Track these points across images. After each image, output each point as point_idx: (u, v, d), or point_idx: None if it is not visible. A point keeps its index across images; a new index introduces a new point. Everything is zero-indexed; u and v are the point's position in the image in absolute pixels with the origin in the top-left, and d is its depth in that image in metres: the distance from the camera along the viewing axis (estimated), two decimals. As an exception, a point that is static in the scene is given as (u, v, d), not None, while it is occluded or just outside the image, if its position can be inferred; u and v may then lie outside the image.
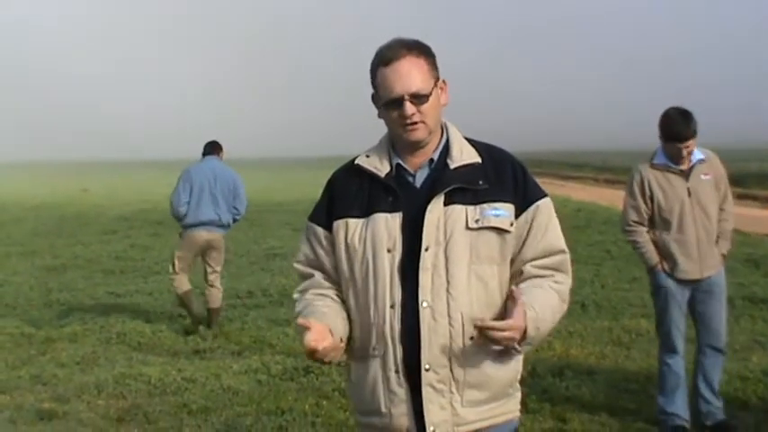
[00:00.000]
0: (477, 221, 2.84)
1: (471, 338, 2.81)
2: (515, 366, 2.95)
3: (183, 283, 10.08)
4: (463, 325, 2.81)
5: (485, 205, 2.85)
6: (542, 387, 7.15)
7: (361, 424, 3.02)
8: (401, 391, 2.85)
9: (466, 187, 2.85)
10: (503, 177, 2.92)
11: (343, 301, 2.99)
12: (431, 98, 2.86)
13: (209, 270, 10.22)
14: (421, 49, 2.89)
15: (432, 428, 2.83)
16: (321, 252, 3.01)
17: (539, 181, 3.06)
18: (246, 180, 11.00)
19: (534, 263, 2.94)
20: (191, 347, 9.09)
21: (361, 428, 3.04)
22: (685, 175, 5.88)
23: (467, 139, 2.98)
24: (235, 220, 10.35)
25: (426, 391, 2.82)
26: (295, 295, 3.09)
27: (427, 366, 2.81)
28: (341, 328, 2.90)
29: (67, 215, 28.77)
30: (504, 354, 2.87)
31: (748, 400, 6.70)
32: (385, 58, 2.86)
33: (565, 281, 2.98)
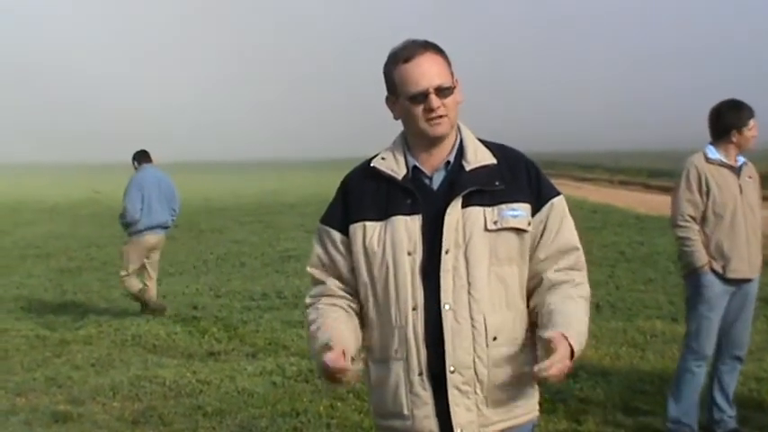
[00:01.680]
0: (495, 223, 2.86)
1: (494, 339, 2.85)
2: (533, 363, 2.93)
3: (135, 284, 11.16)
4: (485, 326, 2.84)
5: (502, 206, 2.87)
6: (557, 388, 7.11)
7: (380, 427, 3.03)
8: (425, 394, 2.86)
9: (483, 189, 2.87)
10: (518, 177, 2.93)
11: (355, 310, 3.01)
12: (453, 92, 2.90)
13: (149, 267, 11.28)
14: (437, 48, 2.94)
15: (459, 430, 2.84)
16: (336, 255, 3.00)
17: (554, 182, 3.09)
18: (257, 182, 11.16)
19: (554, 267, 2.95)
20: (205, 350, 9.11)
21: (380, 431, 3.05)
22: (736, 172, 5.81)
23: (480, 140, 3.01)
24: (172, 221, 11.52)
25: (452, 394, 2.84)
26: (307, 300, 3.08)
27: (452, 368, 2.83)
28: (353, 342, 2.92)
29: (81, 217, 28.89)
30: (525, 353, 2.92)
31: (763, 401, 6.69)
32: (404, 56, 2.90)
33: (584, 279, 3.00)
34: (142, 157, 11.48)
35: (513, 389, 2.90)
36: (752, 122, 5.77)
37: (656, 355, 8.18)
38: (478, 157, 2.93)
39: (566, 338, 2.78)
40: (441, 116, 2.87)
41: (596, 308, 10.50)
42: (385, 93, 3.00)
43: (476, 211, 2.86)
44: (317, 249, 3.05)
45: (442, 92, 2.88)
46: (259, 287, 13.00)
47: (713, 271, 5.77)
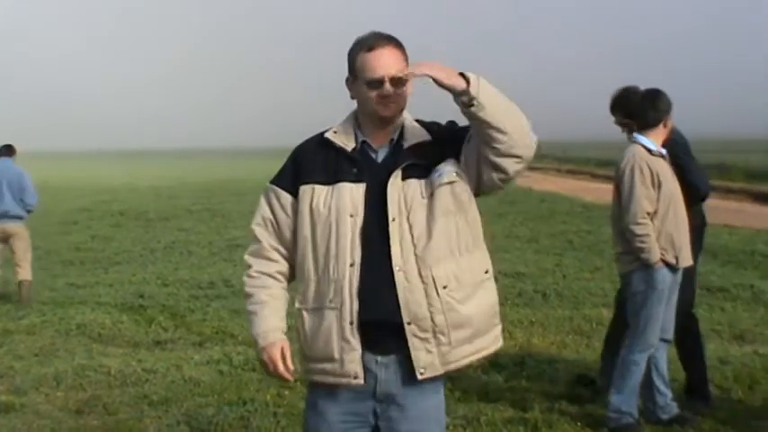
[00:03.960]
0: (429, 190, 3.20)
1: (445, 287, 3.17)
2: (491, 300, 3.32)
3: None
4: (434, 279, 3.16)
5: (433, 174, 3.21)
6: (504, 376, 7.19)
7: (310, 370, 3.33)
8: (354, 341, 3.19)
9: (418, 163, 3.22)
10: (443, 140, 3.27)
11: (284, 275, 3.38)
12: (405, 85, 3.24)
13: (15, 257, 11.70)
14: (398, 43, 3.27)
15: (422, 371, 3.19)
16: (281, 214, 3.35)
17: None
18: (207, 170, 11.05)
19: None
20: (151, 338, 9.03)
21: (310, 374, 3.34)
22: (667, 161, 5.90)
23: (418, 120, 3.34)
24: (28, 211, 11.83)
25: (412, 342, 3.18)
26: (246, 257, 3.43)
27: (408, 321, 3.16)
28: (281, 318, 3.35)
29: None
30: (479, 292, 3.26)
31: (706, 388, 6.77)
32: (368, 44, 3.24)
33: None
34: (2, 150, 11.90)
35: (473, 326, 3.23)
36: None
37: (602, 342, 8.24)
38: (415, 135, 3.28)
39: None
40: (392, 102, 3.23)
41: (543, 296, 10.63)
42: (342, 79, 3.33)
43: (414, 183, 3.21)
44: (263, 208, 3.40)
45: (396, 82, 3.21)
46: (206, 276, 12.92)
47: (666, 263, 5.82)
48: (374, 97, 3.21)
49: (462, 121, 3.23)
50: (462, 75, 3.06)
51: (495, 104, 3.07)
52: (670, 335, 6.10)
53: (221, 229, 19.40)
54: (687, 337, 6.40)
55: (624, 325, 6.18)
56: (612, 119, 6.45)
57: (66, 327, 9.53)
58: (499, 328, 3.37)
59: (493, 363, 7.42)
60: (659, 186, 5.78)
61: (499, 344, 3.36)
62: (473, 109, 3.04)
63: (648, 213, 5.75)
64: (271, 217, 3.37)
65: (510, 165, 3.14)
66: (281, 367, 3.29)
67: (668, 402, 6.08)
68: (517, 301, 10.37)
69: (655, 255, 5.76)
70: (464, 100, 3.05)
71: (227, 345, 8.56)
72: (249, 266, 3.40)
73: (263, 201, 3.40)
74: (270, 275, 3.37)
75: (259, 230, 3.39)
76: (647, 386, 6.08)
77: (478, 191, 3.27)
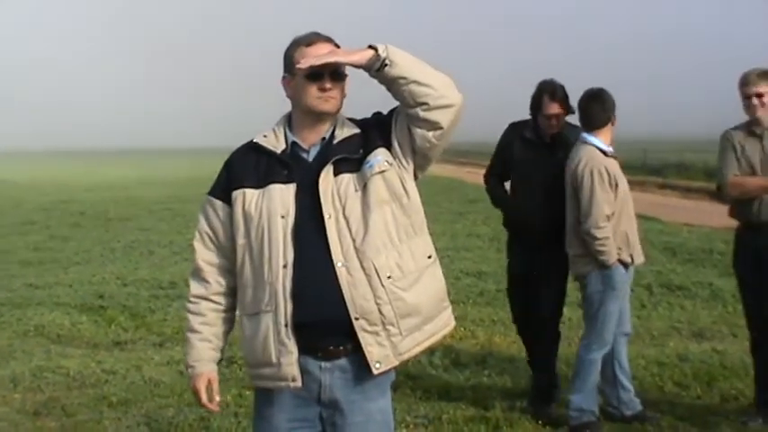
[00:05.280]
0: (361, 182, 3.20)
1: (389, 277, 3.15)
2: (437, 285, 3.30)
3: None
4: (376, 270, 3.14)
5: (364, 166, 3.21)
6: (466, 375, 7.20)
7: (252, 375, 3.35)
8: (289, 343, 3.16)
9: (349, 157, 3.22)
10: (372, 132, 3.27)
11: (225, 293, 3.38)
12: (344, 81, 3.26)
13: None
14: (335, 43, 3.28)
15: (377, 365, 3.16)
16: (217, 223, 3.35)
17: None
18: (170, 170, 10.93)
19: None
20: (111, 339, 8.96)
21: (253, 380, 3.37)
22: (617, 158, 5.96)
23: (349, 118, 3.35)
24: None
25: (362, 337, 3.14)
26: (189, 277, 3.47)
27: (356, 316, 3.13)
28: (213, 347, 3.42)
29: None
30: (424, 278, 3.23)
31: (664, 385, 6.86)
32: (307, 41, 3.25)
33: None
34: None
35: (421, 312, 3.21)
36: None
37: (563, 342, 8.29)
38: (345, 131, 3.29)
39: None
40: (331, 97, 3.22)
41: (505, 295, 10.63)
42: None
43: (347, 178, 3.20)
44: (200, 222, 3.40)
45: (336, 76, 3.21)
46: (167, 275, 12.81)
47: (622, 263, 5.86)
48: (314, 91, 3.20)
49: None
50: (370, 46, 3.10)
51: (408, 60, 3.10)
52: (628, 327, 6.19)
53: (182, 229, 19.25)
54: None
55: None
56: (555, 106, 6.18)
57: (24, 328, 9.42)
58: (449, 310, 3.36)
59: (455, 361, 7.44)
60: (616, 187, 5.82)
61: (451, 325, 3.36)
62: (387, 69, 3.07)
63: (608, 216, 5.78)
64: (207, 230, 3.38)
65: (443, 116, 3.13)
66: (203, 399, 3.37)
67: (632, 398, 6.13)
68: (479, 300, 10.39)
69: (612, 256, 5.80)
70: (377, 66, 3.07)
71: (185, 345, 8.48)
72: (189, 290, 3.45)
73: (200, 214, 3.42)
74: (206, 299, 3.40)
75: (197, 245, 3.41)
76: (611, 382, 6.13)
77: (419, 164, 3.27)
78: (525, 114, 6.24)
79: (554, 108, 6.03)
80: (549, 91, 6.04)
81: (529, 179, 6.20)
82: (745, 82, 5.78)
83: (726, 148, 5.92)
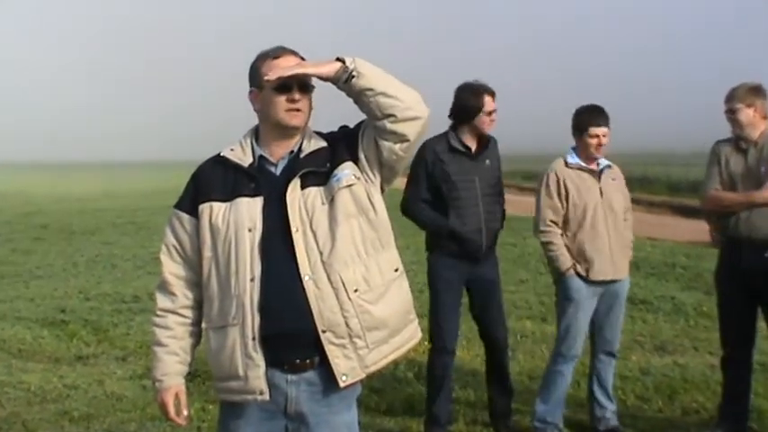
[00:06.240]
0: (329, 196, 3.20)
1: (356, 290, 3.15)
2: (404, 298, 3.32)
3: None
4: (343, 283, 3.14)
5: (331, 179, 3.21)
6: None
7: (220, 389, 3.32)
8: (257, 357, 3.15)
9: (316, 170, 3.22)
10: (340, 146, 3.28)
11: (191, 306, 3.38)
12: (311, 93, 3.27)
13: None
14: (301, 56, 3.28)
15: (343, 377, 3.17)
16: (184, 236, 3.34)
17: None
18: (133, 182, 10.84)
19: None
20: (73, 354, 8.86)
21: (219, 393, 3.35)
22: (597, 175, 5.95)
23: (316, 132, 3.35)
24: None
25: (329, 349, 3.14)
26: (155, 291, 3.44)
27: (323, 329, 3.13)
28: (180, 361, 3.41)
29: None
30: (390, 291, 3.24)
31: (626, 399, 6.89)
32: (273, 54, 3.25)
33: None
34: None
35: (387, 327, 3.23)
36: (596, 130, 5.88)
37: (525, 355, 8.35)
38: (312, 144, 3.28)
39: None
40: (299, 109, 3.22)
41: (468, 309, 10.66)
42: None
43: (314, 191, 3.20)
44: (167, 235, 3.39)
45: (304, 88, 3.23)
46: (130, 289, 12.71)
47: (578, 274, 5.90)
48: (282, 103, 3.21)
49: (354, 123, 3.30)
50: (337, 58, 3.12)
51: (375, 73, 3.12)
52: (613, 348, 6.17)
53: (146, 242, 19.14)
54: None
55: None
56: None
57: (-15, 342, 9.31)
58: (415, 323, 3.37)
59: (418, 375, 7.45)
60: (567, 197, 5.89)
61: (417, 338, 3.37)
62: (354, 81, 3.09)
63: (554, 222, 5.89)
64: (174, 242, 3.37)
65: (410, 128, 3.15)
66: (171, 413, 3.36)
67: (606, 416, 6.15)
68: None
69: (563, 263, 5.88)
70: (344, 77, 3.09)
71: (151, 359, 8.42)
72: (156, 303, 3.43)
73: (167, 227, 3.40)
74: (174, 312, 3.39)
75: (164, 259, 3.40)
76: (589, 398, 6.21)
77: (386, 177, 3.29)
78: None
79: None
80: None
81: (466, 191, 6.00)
82: (726, 98, 5.81)
83: (711, 162, 5.98)
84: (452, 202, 5.90)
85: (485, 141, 6.00)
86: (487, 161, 6.00)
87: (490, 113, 5.91)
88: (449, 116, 6.02)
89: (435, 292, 6.13)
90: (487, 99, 5.92)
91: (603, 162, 6.01)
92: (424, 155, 5.92)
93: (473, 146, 5.97)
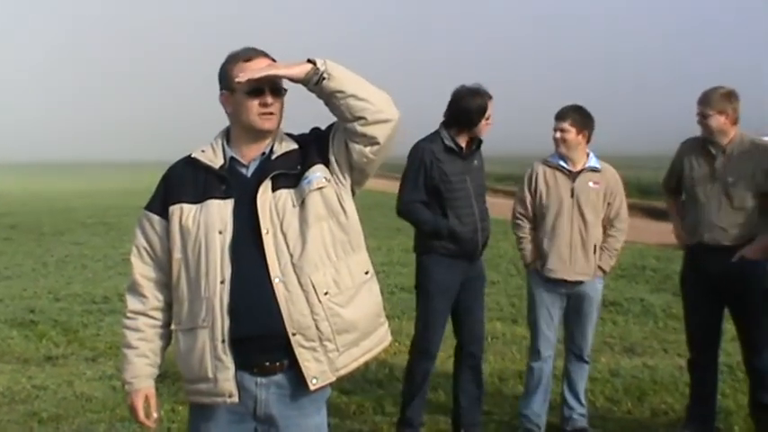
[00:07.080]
0: (299, 198, 3.19)
1: (326, 293, 3.15)
2: (374, 300, 3.33)
3: None
4: (314, 286, 3.14)
5: (302, 182, 3.20)
6: (399, 390, 7.20)
7: (189, 391, 3.32)
8: (226, 359, 3.15)
9: (287, 173, 3.21)
10: (311, 148, 3.27)
11: (161, 308, 3.37)
12: (284, 96, 3.25)
13: None
14: (272, 57, 3.26)
15: (314, 380, 3.17)
16: (154, 238, 3.33)
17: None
18: (104, 182, 10.77)
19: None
20: (42, 354, 8.81)
21: (188, 395, 3.35)
22: (573, 176, 5.96)
23: (288, 134, 3.34)
24: None
25: (299, 352, 3.14)
26: (125, 292, 3.43)
27: (293, 332, 3.12)
28: (150, 363, 3.39)
29: None
30: (361, 294, 3.24)
31: (596, 400, 6.93)
32: (244, 56, 3.23)
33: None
34: None
35: (357, 330, 3.23)
36: (555, 124, 6.00)
37: (496, 356, 8.39)
38: (283, 146, 3.28)
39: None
40: (271, 113, 3.21)
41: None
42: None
43: (285, 194, 3.19)
44: (137, 237, 3.37)
45: (276, 92, 3.21)
46: (101, 290, 12.65)
47: (535, 269, 6.06)
48: (255, 107, 3.19)
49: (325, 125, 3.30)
50: (309, 60, 3.12)
51: (346, 75, 3.11)
52: (582, 352, 6.18)
53: (116, 243, 19.03)
54: None
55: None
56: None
57: (-47, 343, 9.23)
58: (385, 326, 3.38)
59: (389, 376, 7.47)
60: (535, 192, 6.01)
61: (387, 341, 3.38)
62: (325, 82, 3.08)
63: (522, 214, 6.09)
64: (145, 244, 3.36)
65: (380, 131, 3.14)
66: (140, 416, 3.37)
67: (573, 417, 6.20)
68: (414, 315, 10.35)
69: (524, 256, 6.11)
70: (315, 79, 3.09)
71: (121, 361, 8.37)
72: (126, 305, 3.42)
73: (137, 228, 3.38)
74: (144, 314, 3.38)
75: (134, 260, 3.39)
76: (561, 398, 6.29)
77: (357, 180, 3.29)
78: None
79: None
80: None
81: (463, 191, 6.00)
82: (699, 100, 5.82)
83: (675, 163, 6.09)
84: (450, 202, 5.86)
85: (474, 142, 6.01)
86: (475, 161, 6.01)
87: (488, 118, 5.92)
88: (445, 118, 5.93)
89: (427, 295, 6.08)
90: (489, 104, 5.91)
91: (592, 164, 6.02)
92: (420, 156, 5.87)
93: (464, 146, 5.95)
